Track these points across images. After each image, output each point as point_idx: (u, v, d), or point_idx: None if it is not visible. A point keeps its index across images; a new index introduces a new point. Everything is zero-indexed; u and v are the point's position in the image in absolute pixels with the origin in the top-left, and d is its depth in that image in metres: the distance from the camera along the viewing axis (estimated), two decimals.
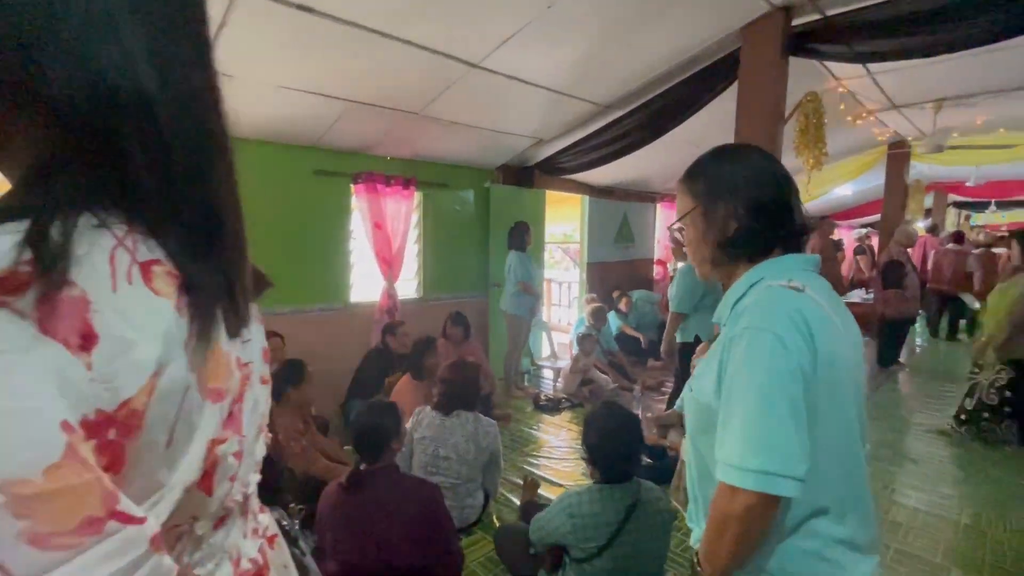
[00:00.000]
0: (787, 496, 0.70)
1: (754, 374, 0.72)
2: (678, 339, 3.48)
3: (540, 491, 2.81)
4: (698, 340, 3.28)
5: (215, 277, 0.43)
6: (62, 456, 0.30)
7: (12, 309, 0.30)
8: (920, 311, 6.18)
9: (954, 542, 2.38)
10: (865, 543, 0.80)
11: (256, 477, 0.53)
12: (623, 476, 1.62)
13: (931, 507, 2.69)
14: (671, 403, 3.66)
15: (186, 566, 0.43)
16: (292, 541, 0.92)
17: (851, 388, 0.80)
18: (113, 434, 0.33)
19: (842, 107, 4.28)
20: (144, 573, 0.34)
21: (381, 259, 4.13)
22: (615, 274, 6.45)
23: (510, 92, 3.39)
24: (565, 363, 4.82)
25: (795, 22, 2.98)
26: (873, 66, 3.80)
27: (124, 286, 0.35)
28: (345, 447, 2.85)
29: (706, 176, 0.90)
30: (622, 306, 5.48)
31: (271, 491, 2.36)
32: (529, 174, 5.14)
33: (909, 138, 6.17)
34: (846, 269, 8.68)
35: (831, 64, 3.77)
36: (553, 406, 4.29)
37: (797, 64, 3.11)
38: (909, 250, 5.45)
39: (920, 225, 7.66)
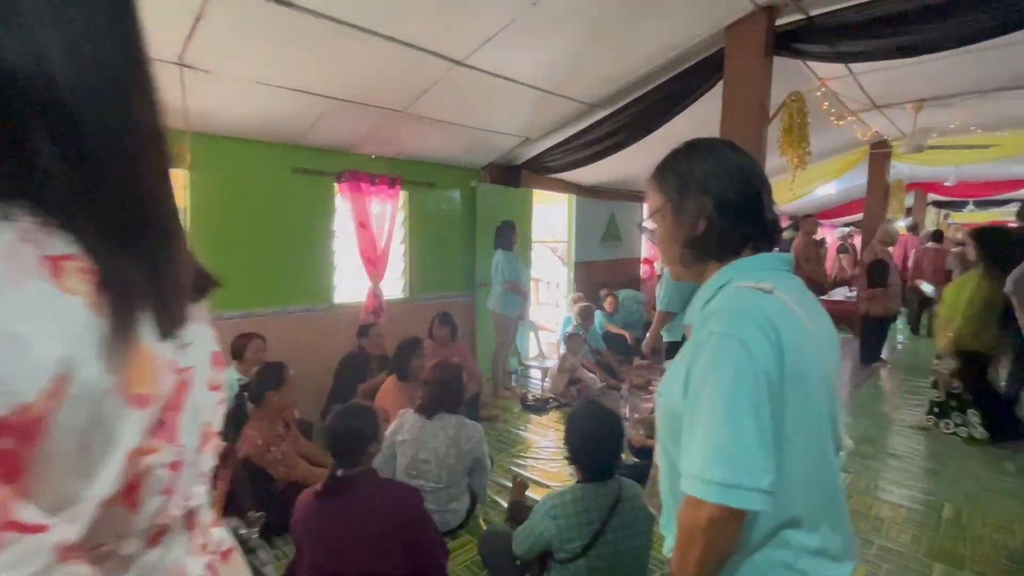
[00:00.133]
0: (751, 509, 0.67)
1: (718, 382, 0.70)
2: (665, 338, 3.48)
3: (528, 492, 2.80)
4: (685, 339, 3.28)
5: (139, 274, 0.39)
6: None
7: None
8: (901, 308, 6.28)
9: (936, 537, 2.41)
10: (838, 551, 0.78)
11: (202, 489, 0.50)
12: (605, 474, 1.62)
13: (913, 503, 2.72)
14: None
15: None
16: (251, 551, 0.88)
17: (822, 393, 0.77)
18: (9, 442, 0.30)
19: (825, 106, 4.32)
20: None
21: (366, 259, 4.07)
22: (602, 273, 6.46)
23: (495, 90, 3.36)
24: (553, 363, 4.81)
25: (779, 22, 3.00)
26: (855, 66, 3.84)
27: (25, 282, 0.32)
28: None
29: (677, 172, 0.87)
30: (607, 305, 5.48)
31: (257, 499, 2.31)
32: (516, 173, 5.11)
33: (890, 138, 6.27)
34: (829, 267, 8.79)
35: (814, 64, 3.80)
36: (541, 406, 4.27)
37: (781, 64, 3.13)
38: (890, 248, 5.53)
39: (901, 224, 7.78)
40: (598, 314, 5.29)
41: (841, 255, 9.25)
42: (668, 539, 0.85)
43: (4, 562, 0.29)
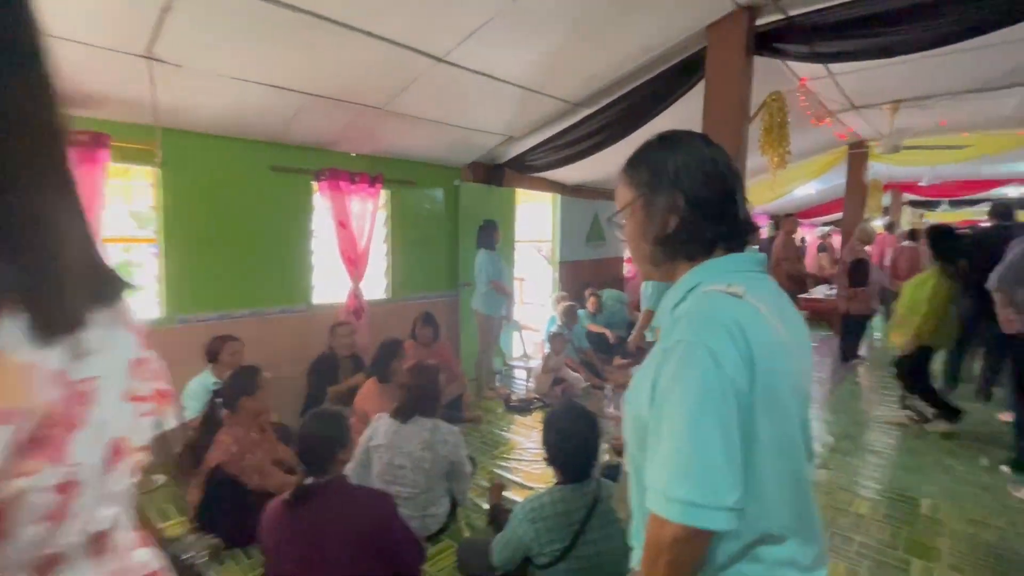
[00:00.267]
0: (715, 529, 0.65)
1: (684, 393, 0.66)
2: (648, 338, 3.48)
3: (511, 495, 2.77)
4: None
5: (3, 275, 0.35)
6: None
7: None
8: (879, 306, 6.40)
9: (914, 533, 2.44)
10: (810, 561, 0.76)
11: (114, 511, 0.45)
12: (583, 475, 1.60)
13: (892, 499, 2.75)
14: None
15: None
16: (196, 574, 0.83)
17: (794, 401, 0.74)
18: None
19: (804, 107, 4.36)
20: None
21: (346, 259, 4.00)
22: (587, 273, 6.46)
23: (477, 88, 3.32)
24: (537, 363, 4.79)
25: (759, 22, 3.01)
26: (834, 67, 3.88)
27: None
28: None
29: (648, 165, 0.82)
30: (589, 305, 5.48)
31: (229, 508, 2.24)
32: (499, 172, 5.07)
33: (868, 139, 6.38)
34: (809, 266, 8.92)
35: (794, 65, 3.83)
36: (524, 407, 4.25)
37: (761, 64, 3.14)
38: (868, 247, 5.62)
39: (878, 223, 7.93)
40: (581, 313, 5.28)
41: (820, 254, 9.40)
42: (636, 550, 0.82)
43: None
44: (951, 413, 3.67)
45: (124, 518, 0.47)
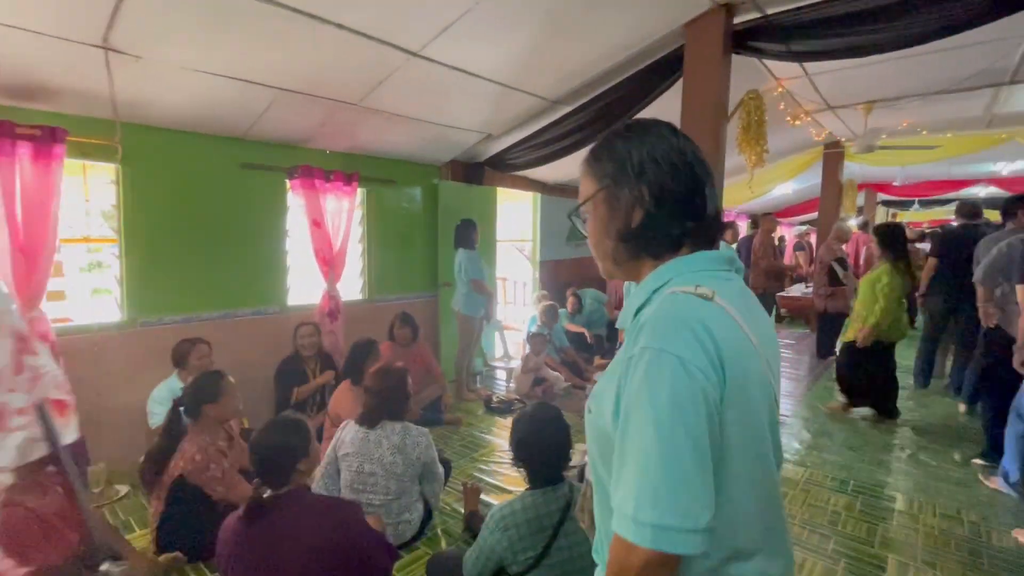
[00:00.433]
0: (687, 554, 0.60)
1: (651, 406, 0.61)
2: None
3: (491, 499, 2.72)
4: None
5: None
6: None
7: None
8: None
9: (890, 529, 2.46)
10: (778, 573, 0.73)
11: None
12: (554, 479, 1.55)
13: (868, 494, 2.78)
14: None
15: None
16: None
17: (764, 408, 0.70)
18: None
19: (781, 107, 4.40)
20: None
21: (321, 259, 3.90)
22: (568, 272, 6.43)
23: (454, 84, 3.26)
24: (518, 363, 4.74)
25: (737, 20, 3.01)
26: (810, 67, 3.92)
27: None
28: None
29: (612, 155, 0.77)
30: (568, 305, 5.46)
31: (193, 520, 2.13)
32: (479, 170, 5.01)
33: (843, 139, 6.48)
34: (787, 264, 9.04)
35: (772, 64, 3.85)
36: (505, 408, 4.19)
37: (740, 64, 3.14)
38: (844, 246, 5.71)
39: (852, 223, 8.07)
40: (562, 313, 5.25)
41: (797, 252, 9.54)
42: (599, 568, 0.77)
43: None
44: (851, 406, 3.98)
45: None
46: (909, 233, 7.86)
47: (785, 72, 4.01)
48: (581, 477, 2.01)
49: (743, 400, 0.65)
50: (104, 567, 1.38)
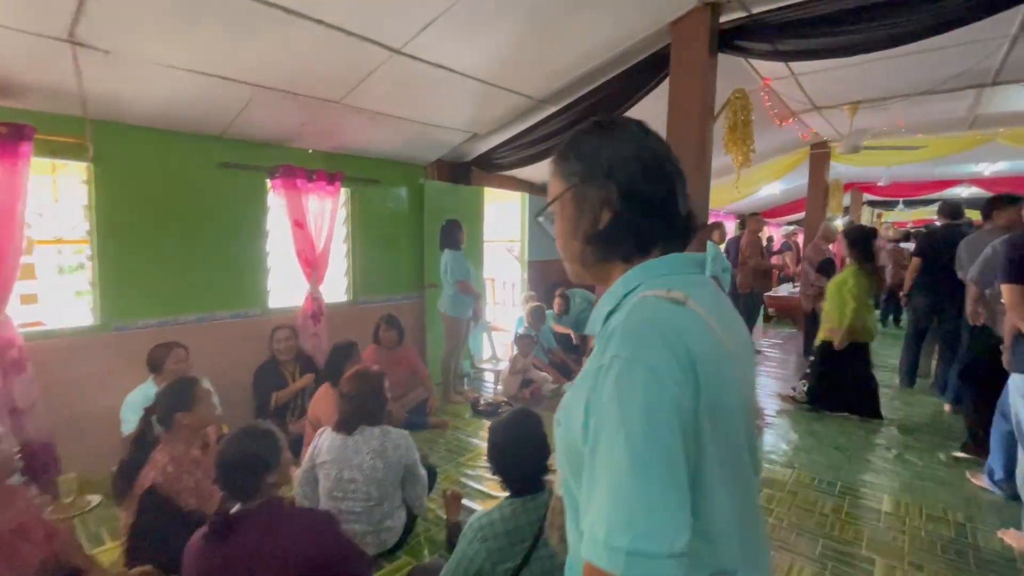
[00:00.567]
0: None
1: (623, 421, 0.57)
2: None
3: (477, 505, 2.67)
4: None
5: None
6: None
7: None
8: None
9: (877, 530, 2.45)
10: None
11: None
12: (533, 487, 1.50)
13: (855, 496, 2.77)
14: None
15: None
16: None
17: (741, 417, 0.67)
18: None
19: (768, 106, 4.39)
20: None
21: (303, 260, 3.82)
22: (557, 272, 6.40)
23: (437, 81, 3.20)
24: (506, 365, 4.69)
25: (722, 19, 2.99)
26: (796, 67, 3.92)
27: None
28: None
29: (579, 153, 0.74)
30: (555, 305, 5.43)
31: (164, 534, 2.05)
32: (465, 170, 4.96)
33: (828, 139, 6.52)
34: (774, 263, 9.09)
35: (758, 64, 3.85)
36: (492, 410, 4.14)
37: (726, 64, 3.13)
38: (831, 246, 5.73)
39: (838, 223, 8.14)
40: (549, 314, 5.22)
41: (784, 252, 9.61)
42: None
43: None
44: (811, 404, 4.04)
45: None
46: (894, 233, 7.99)
47: (771, 72, 4.01)
48: None
49: (719, 410, 0.62)
50: None
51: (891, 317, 7.92)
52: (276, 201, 3.70)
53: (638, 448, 0.56)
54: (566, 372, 4.87)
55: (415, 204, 4.70)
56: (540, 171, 5.19)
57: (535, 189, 5.98)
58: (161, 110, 2.90)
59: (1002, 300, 2.61)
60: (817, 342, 4.06)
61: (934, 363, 4.69)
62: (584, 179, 0.72)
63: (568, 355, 5.13)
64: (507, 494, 1.56)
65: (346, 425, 2.18)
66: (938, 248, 4.14)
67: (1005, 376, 2.58)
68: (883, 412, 3.95)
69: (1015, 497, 2.62)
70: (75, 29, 2.16)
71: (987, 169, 8.28)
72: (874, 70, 3.90)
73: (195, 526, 1.84)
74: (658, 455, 0.55)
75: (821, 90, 4.49)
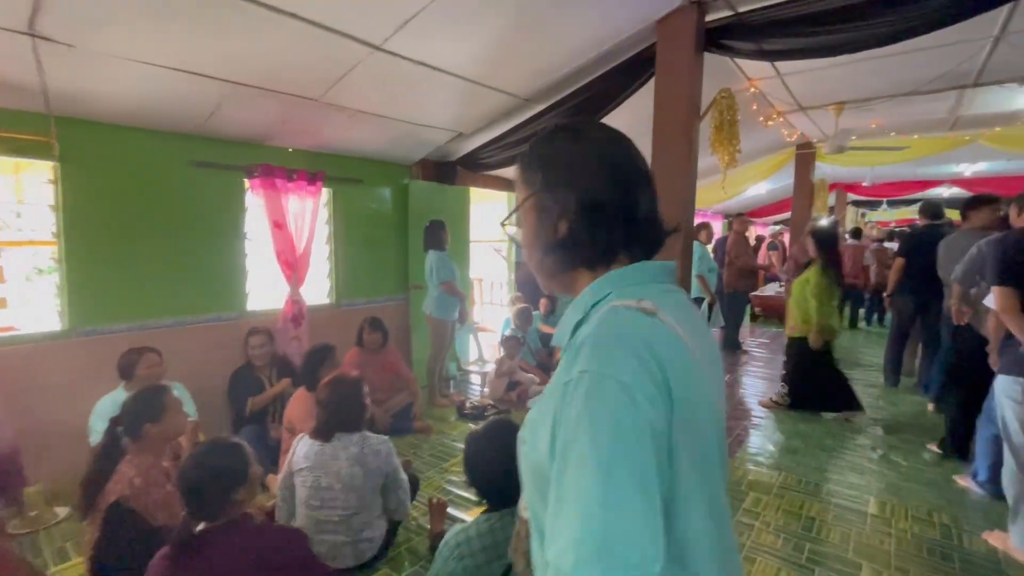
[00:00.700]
0: None
1: (592, 442, 0.53)
2: None
3: (462, 514, 2.61)
4: None
5: None
6: None
7: None
8: None
9: (863, 534, 2.43)
10: None
11: None
12: (510, 500, 1.45)
13: (841, 499, 2.75)
14: None
15: None
16: None
17: (713, 432, 0.65)
18: None
19: (754, 107, 4.39)
20: None
21: (283, 262, 3.72)
22: None
23: (420, 79, 3.13)
24: (492, 367, 4.63)
25: (708, 18, 2.96)
26: (781, 67, 3.91)
27: None
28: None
29: (539, 160, 0.71)
30: (541, 306, 5.39)
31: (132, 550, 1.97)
32: (451, 170, 4.89)
33: (814, 140, 6.55)
34: (761, 263, 9.15)
35: (744, 64, 3.83)
36: (479, 414, 4.08)
37: (712, 64, 3.10)
38: None
39: (824, 222, 8.19)
40: (536, 315, 5.17)
41: (771, 252, 9.67)
42: None
43: None
44: (791, 405, 4.08)
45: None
46: (878, 233, 8.07)
47: (757, 72, 4.00)
48: None
49: (692, 426, 0.59)
50: None
51: (875, 316, 8.00)
52: (255, 201, 3.60)
53: (609, 470, 0.51)
54: None
55: (399, 204, 4.62)
56: None
57: None
58: (131, 107, 2.80)
59: (984, 301, 2.62)
60: (789, 339, 4.10)
61: (918, 362, 4.73)
62: (543, 187, 0.70)
63: (555, 356, 5.09)
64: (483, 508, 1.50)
65: (322, 432, 2.12)
66: (920, 248, 4.17)
67: (990, 376, 2.59)
68: (869, 411, 3.97)
69: (999, 497, 2.62)
70: (35, 21, 2.05)
71: (968, 170, 8.39)
72: (859, 71, 3.91)
73: (164, 542, 1.76)
74: (630, 478, 0.52)
75: (807, 90, 4.49)
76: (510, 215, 0.75)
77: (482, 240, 6.31)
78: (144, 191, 3.08)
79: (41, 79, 2.35)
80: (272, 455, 2.96)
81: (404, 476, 2.28)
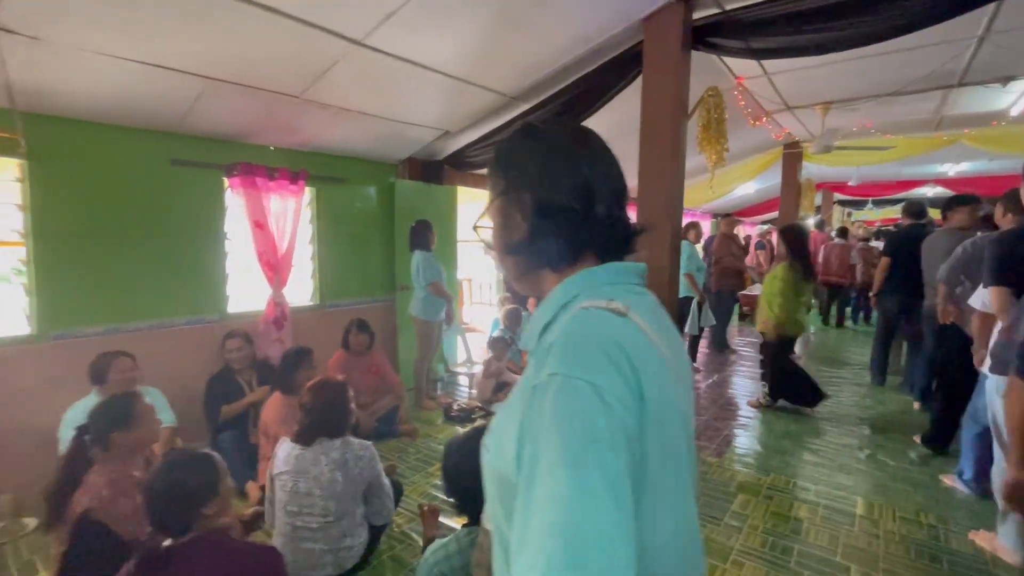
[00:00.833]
0: None
1: (562, 447, 0.50)
2: None
3: (451, 522, 2.55)
4: None
5: None
6: None
7: None
8: (812, 301, 6.62)
9: (851, 535, 2.42)
10: None
11: None
12: None
13: (829, 500, 2.74)
14: None
15: None
16: None
17: (683, 436, 0.63)
18: None
19: (742, 105, 4.38)
20: None
21: (265, 263, 3.64)
22: None
23: (404, 76, 3.07)
24: (480, 368, 4.58)
25: (696, 15, 2.94)
26: (768, 67, 3.90)
27: None
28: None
29: (503, 162, 0.71)
30: (529, 306, 5.35)
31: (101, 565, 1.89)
32: (438, 169, 4.83)
33: (801, 140, 6.58)
34: (749, 263, 9.18)
35: (731, 64, 3.82)
36: (466, 416, 4.03)
37: (700, 63, 3.08)
38: None
39: (809, 222, 8.25)
40: (525, 315, 5.12)
41: (759, 252, 9.72)
42: None
43: None
44: (813, 397, 4.02)
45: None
46: (864, 232, 8.14)
47: (745, 71, 3.98)
48: None
49: (663, 430, 0.57)
50: None
51: (861, 315, 8.07)
52: (235, 201, 3.51)
53: (581, 478, 0.49)
54: None
55: (385, 204, 4.55)
56: None
57: None
58: (103, 103, 2.70)
59: (969, 301, 2.63)
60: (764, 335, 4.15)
61: (903, 361, 4.75)
62: (505, 189, 0.70)
63: None
64: (463, 521, 1.45)
65: (304, 436, 2.06)
66: (905, 248, 4.19)
67: (973, 375, 2.59)
68: (855, 411, 4.01)
69: (985, 495, 2.63)
70: None
71: (951, 169, 8.50)
72: (845, 70, 3.92)
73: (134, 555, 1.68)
74: (603, 485, 0.49)
75: (793, 90, 4.50)
76: (479, 219, 0.74)
77: (470, 240, 6.25)
78: (119, 189, 2.98)
79: (3, 73, 2.25)
80: (252, 461, 2.88)
81: (387, 482, 2.23)
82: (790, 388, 4.07)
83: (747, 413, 4.09)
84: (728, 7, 2.86)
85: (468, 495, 1.40)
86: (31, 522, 2.56)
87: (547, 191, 0.67)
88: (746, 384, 4.86)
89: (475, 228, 0.76)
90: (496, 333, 4.67)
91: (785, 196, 7.11)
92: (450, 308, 4.33)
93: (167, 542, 1.26)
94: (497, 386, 4.36)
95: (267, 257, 3.63)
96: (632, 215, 0.75)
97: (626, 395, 0.54)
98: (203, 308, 3.42)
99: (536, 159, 0.68)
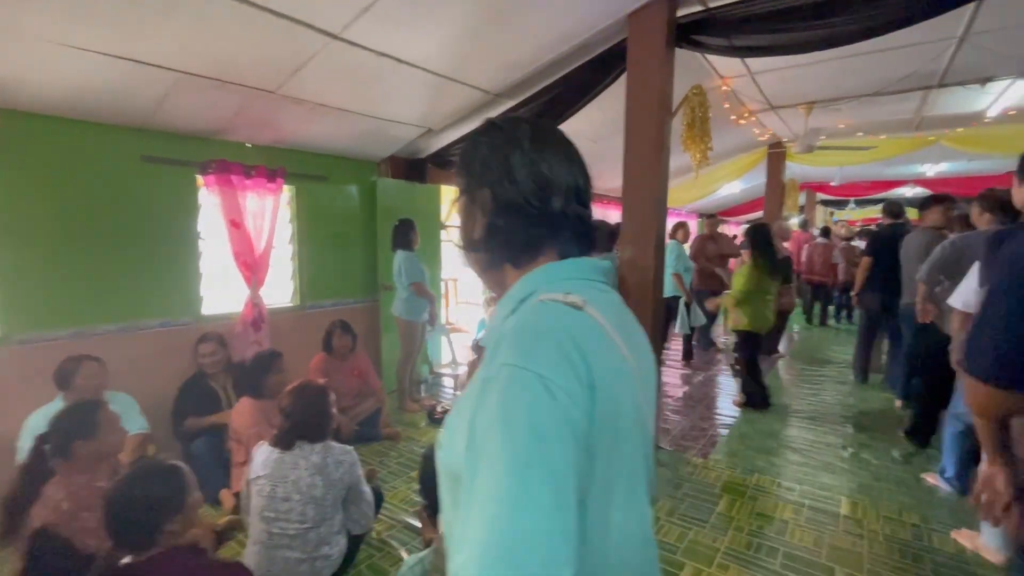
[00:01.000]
0: None
1: (506, 439, 0.49)
2: None
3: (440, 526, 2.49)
4: None
5: None
6: None
7: None
8: (796, 300, 6.67)
9: (836, 536, 2.41)
10: None
11: None
12: None
13: (813, 500, 2.73)
14: None
15: None
16: None
17: (638, 435, 0.62)
18: None
19: (727, 106, 4.38)
20: None
21: (242, 263, 3.54)
22: None
23: (384, 72, 3.00)
24: (466, 369, 4.52)
25: (680, 13, 2.91)
26: (753, 66, 3.90)
27: None
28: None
29: (464, 159, 0.72)
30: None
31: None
32: (421, 167, 4.75)
33: (785, 139, 6.63)
34: (733, 264, 9.23)
35: (716, 63, 3.81)
36: None
37: (685, 61, 3.06)
38: (785, 244, 5.81)
39: (793, 221, 8.33)
40: None
41: (743, 251, 9.79)
42: None
43: None
44: (761, 402, 4.11)
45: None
46: (846, 231, 8.23)
47: (729, 70, 3.98)
48: None
49: (615, 427, 0.56)
50: None
51: (843, 314, 8.16)
52: (209, 199, 3.41)
53: (522, 471, 0.48)
54: None
55: (367, 202, 4.47)
56: None
57: None
58: (69, 97, 2.59)
59: (948, 301, 2.63)
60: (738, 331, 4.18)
61: (884, 358, 4.80)
62: (468, 186, 0.71)
63: None
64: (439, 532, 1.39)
65: (284, 440, 1.99)
66: (886, 247, 4.23)
67: (952, 373, 2.60)
68: (838, 409, 4.05)
69: (966, 493, 2.64)
70: None
71: (931, 170, 8.63)
72: (827, 70, 3.93)
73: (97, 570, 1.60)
74: (544, 478, 0.48)
75: (777, 89, 4.51)
76: (447, 217, 0.71)
77: (454, 239, 6.19)
78: (87, 187, 2.87)
79: None
80: (227, 468, 2.79)
81: (367, 489, 2.17)
82: (752, 386, 4.15)
83: (732, 412, 4.09)
84: (712, 5, 2.84)
85: (438, 503, 1.34)
86: None
87: (505, 187, 0.67)
88: (731, 383, 4.87)
89: (443, 227, 0.74)
90: (482, 334, 4.61)
91: (770, 196, 7.15)
92: (433, 309, 4.27)
93: (127, 559, 1.19)
94: None
95: (244, 257, 3.53)
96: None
97: (575, 388, 0.52)
98: (176, 310, 3.32)
99: (496, 156, 0.68)
